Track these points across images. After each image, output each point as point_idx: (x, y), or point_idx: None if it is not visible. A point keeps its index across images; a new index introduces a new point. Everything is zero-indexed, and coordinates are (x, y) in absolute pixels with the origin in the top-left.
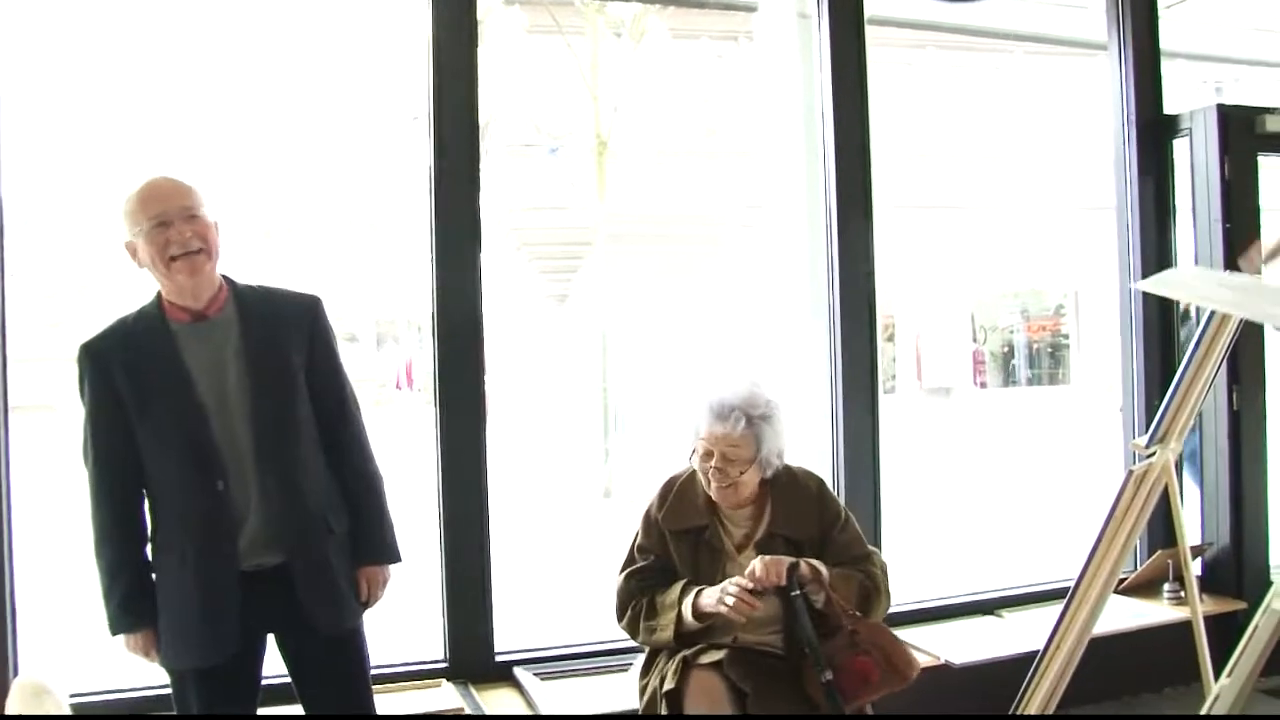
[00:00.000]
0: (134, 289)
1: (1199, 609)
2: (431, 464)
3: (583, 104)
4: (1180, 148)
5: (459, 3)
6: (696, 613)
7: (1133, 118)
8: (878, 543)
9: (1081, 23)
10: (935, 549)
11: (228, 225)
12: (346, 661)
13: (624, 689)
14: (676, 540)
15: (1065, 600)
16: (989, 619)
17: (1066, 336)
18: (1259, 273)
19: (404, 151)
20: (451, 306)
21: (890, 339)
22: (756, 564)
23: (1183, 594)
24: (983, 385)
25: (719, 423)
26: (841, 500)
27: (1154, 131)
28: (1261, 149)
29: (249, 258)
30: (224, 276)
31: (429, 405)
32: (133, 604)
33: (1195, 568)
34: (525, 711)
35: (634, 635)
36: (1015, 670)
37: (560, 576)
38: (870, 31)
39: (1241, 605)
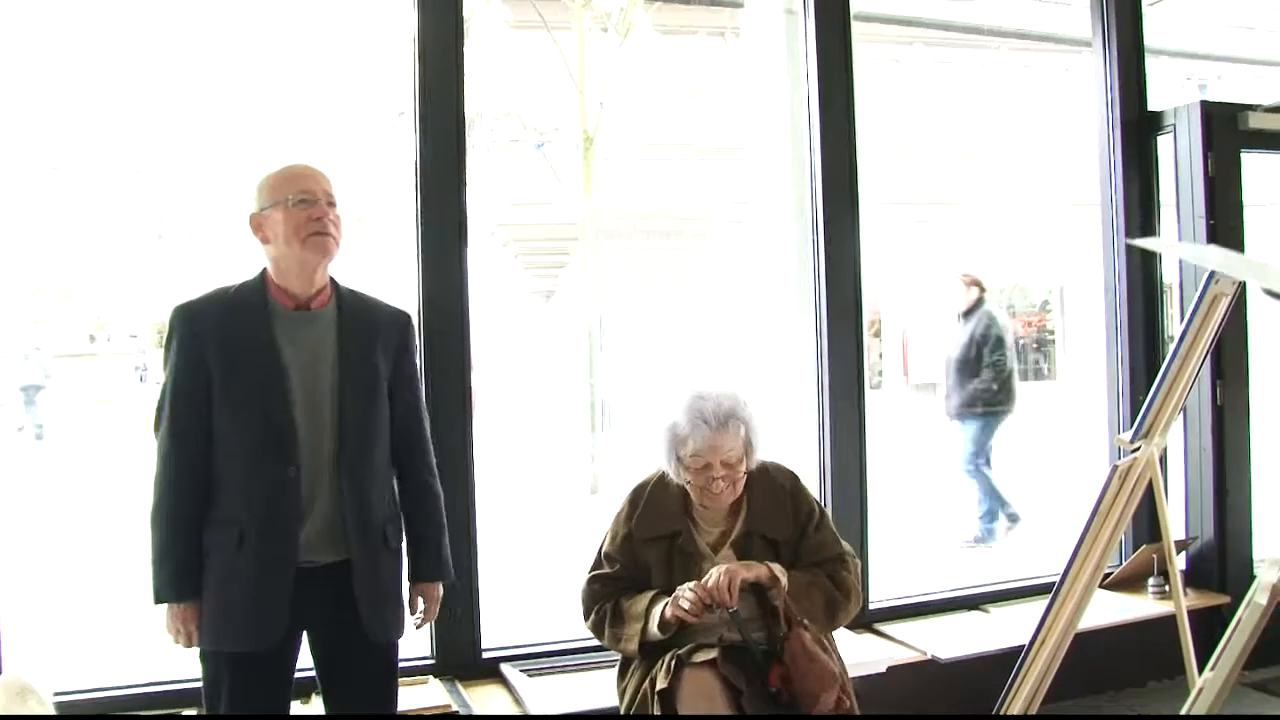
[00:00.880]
0: (121, 289)
1: (1183, 603)
2: None
3: (569, 99)
4: (1164, 144)
5: None
6: (662, 624)
7: (1117, 114)
8: (864, 538)
9: (1067, 19)
10: (922, 544)
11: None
12: (382, 666)
13: (611, 686)
14: (648, 547)
15: (1051, 595)
16: (975, 614)
17: (1052, 332)
18: None
19: (390, 147)
20: (438, 302)
21: (877, 335)
22: (712, 575)
23: (1167, 588)
24: None
25: (720, 434)
26: (828, 496)
27: (1138, 128)
28: (1244, 145)
29: (241, 253)
30: (330, 276)
31: None
32: (185, 574)
33: (1180, 562)
34: (513, 708)
35: (599, 637)
36: (1001, 665)
37: (547, 573)
38: (857, 28)
39: (1225, 599)
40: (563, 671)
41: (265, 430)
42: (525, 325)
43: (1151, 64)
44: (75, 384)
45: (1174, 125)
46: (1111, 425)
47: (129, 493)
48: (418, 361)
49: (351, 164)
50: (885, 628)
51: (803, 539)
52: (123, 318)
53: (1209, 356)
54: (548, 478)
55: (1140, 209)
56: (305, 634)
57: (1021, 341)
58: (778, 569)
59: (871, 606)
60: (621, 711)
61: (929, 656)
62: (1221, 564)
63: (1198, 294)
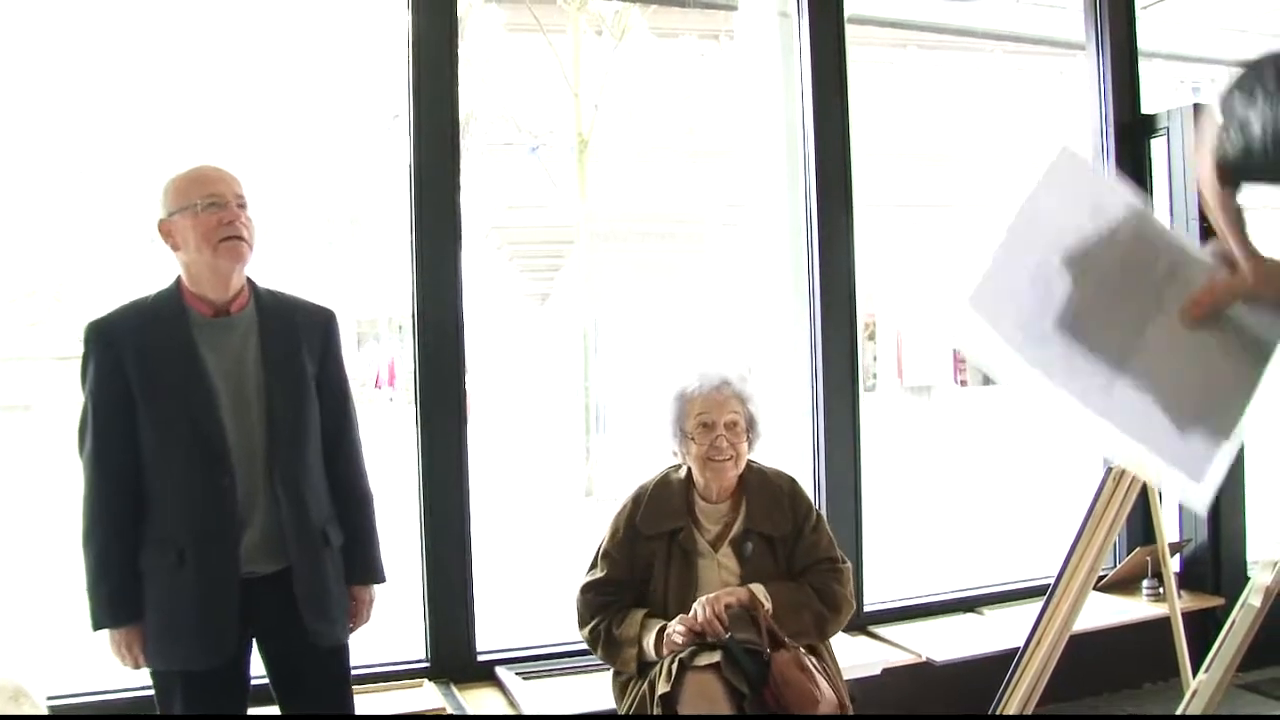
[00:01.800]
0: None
1: (1177, 605)
2: (412, 463)
3: (563, 102)
4: (1158, 147)
5: (439, 0)
6: (658, 652)
7: (1111, 117)
8: (858, 540)
9: (1060, 22)
10: (917, 547)
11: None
12: (333, 672)
13: (606, 688)
14: (649, 544)
15: (1045, 597)
16: (970, 616)
17: None
18: None
19: (384, 150)
20: (432, 305)
21: (871, 337)
22: (698, 609)
23: (1161, 590)
24: (964, 383)
25: (716, 391)
26: (822, 498)
27: (1132, 131)
28: None
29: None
30: (247, 277)
31: (410, 404)
32: (121, 599)
33: (1174, 564)
34: (508, 711)
35: (594, 651)
36: (996, 667)
37: (542, 576)
38: (851, 30)
39: (1219, 601)
40: (558, 674)
41: (194, 439)
42: (520, 328)
43: (1145, 67)
44: (67, 386)
45: (1167, 128)
46: None
47: None
48: (344, 359)
49: (346, 166)
50: (880, 630)
51: (799, 538)
52: None
53: None
54: (542, 480)
55: None
56: (257, 643)
57: None
58: (759, 590)
59: (866, 609)
60: (621, 712)
61: (924, 659)
62: (1216, 566)
63: None
